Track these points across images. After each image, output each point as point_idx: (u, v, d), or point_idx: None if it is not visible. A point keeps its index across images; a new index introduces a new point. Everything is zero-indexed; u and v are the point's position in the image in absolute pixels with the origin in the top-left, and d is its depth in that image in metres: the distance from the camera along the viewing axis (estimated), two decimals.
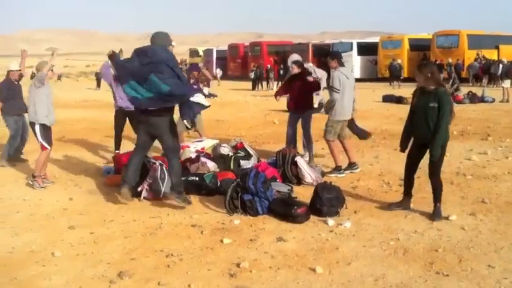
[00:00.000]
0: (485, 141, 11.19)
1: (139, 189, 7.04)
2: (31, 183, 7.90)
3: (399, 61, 31.56)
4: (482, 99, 20.15)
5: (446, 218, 6.05)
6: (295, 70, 9.35)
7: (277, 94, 9.92)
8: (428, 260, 4.90)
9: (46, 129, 7.99)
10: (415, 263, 4.83)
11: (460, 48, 31.50)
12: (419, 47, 34.56)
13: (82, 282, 4.60)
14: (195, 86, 10.39)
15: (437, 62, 28.31)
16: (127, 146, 9.72)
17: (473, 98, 20.17)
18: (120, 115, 9.54)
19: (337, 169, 8.45)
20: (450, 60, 29.58)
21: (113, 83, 9.00)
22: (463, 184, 7.59)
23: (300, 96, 9.12)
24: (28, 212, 6.74)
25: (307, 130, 9.18)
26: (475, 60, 30.18)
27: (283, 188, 7.00)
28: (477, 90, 22.04)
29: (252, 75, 33.55)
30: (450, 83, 21.69)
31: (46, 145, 7.99)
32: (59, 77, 43.07)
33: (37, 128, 7.92)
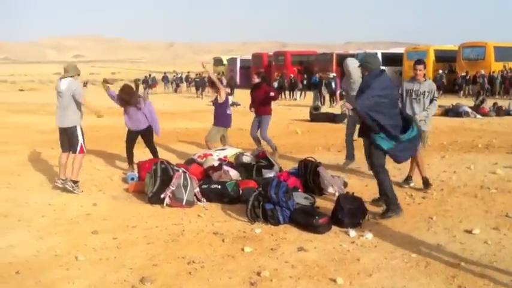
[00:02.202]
0: (510, 155, 11.04)
1: (162, 196, 7.12)
2: (71, 189, 7.92)
3: (440, 72, 31.40)
4: (508, 112, 19.88)
5: (470, 232, 5.99)
6: (256, 80, 10.84)
7: (250, 106, 11.09)
8: (450, 273, 4.85)
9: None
10: (437, 276, 4.79)
11: (487, 60, 31.16)
12: (445, 58, 34.27)
13: (104, 286, 4.66)
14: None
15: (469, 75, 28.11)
16: (149, 154, 9.82)
17: (499, 111, 19.92)
18: (132, 134, 9.54)
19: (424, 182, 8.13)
20: (483, 72, 29.27)
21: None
22: (487, 198, 7.51)
23: (259, 103, 10.64)
24: (53, 216, 6.85)
25: (263, 131, 10.68)
26: (502, 72, 29.82)
27: (305, 201, 6.99)
28: (503, 103, 21.77)
29: (276, 84, 33.61)
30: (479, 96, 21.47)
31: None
32: (85, 84, 43.72)
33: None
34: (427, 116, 7.93)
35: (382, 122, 6.36)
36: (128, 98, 9.25)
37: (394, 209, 6.59)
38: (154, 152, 9.70)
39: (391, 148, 6.49)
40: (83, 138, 8.15)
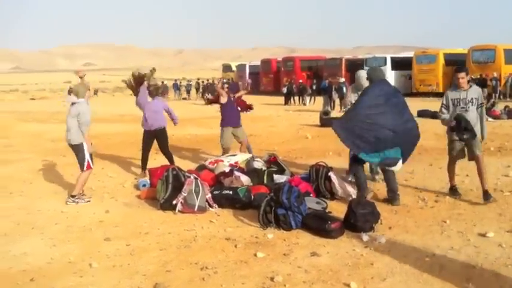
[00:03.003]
0: None
1: (174, 202, 7.13)
2: (73, 202, 7.85)
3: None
4: None
5: (484, 235, 5.94)
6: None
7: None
8: (465, 277, 4.82)
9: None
10: (451, 280, 4.75)
11: (497, 63, 30.96)
12: (454, 61, 34.08)
13: None
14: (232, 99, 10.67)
15: (482, 77, 27.92)
16: (161, 161, 9.85)
17: (510, 113, 19.78)
18: (148, 136, 9.81)
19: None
20: (495, 74, 29.10)
21: (142, 105, 9.73)
22: (501, 201, 7.45)
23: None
24: (66, 223, 6.89)
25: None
26: (510, 75, 29.65)
27: (317, 206, 6.97)
28: None
29: (285, 90, 33.61)
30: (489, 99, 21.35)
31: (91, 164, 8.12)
32: (95, 92, 43.97)
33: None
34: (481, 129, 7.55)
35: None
36: (139, 78, 9.79)
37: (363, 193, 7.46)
38: (170, 157, 9.90)
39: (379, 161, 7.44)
40: (90, 155, 8.05)
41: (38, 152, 13.11)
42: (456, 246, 5.65)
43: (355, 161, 7.62)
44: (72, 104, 7.98)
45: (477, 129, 7.43)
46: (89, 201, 7.97)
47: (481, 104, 7.58)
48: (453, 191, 7.86)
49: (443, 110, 7.71)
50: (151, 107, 9.76)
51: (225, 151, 10.42)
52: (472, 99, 7.45)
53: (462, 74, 7.50)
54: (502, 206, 7.17)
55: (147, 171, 9.24)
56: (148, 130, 9.77)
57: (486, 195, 7.36)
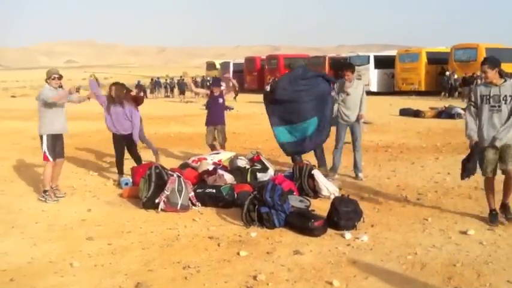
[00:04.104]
0: None
1: (156, 201, 7.10)
2: (43, 199, 7.86)
3: (447, 73, 31.54)
4: None
5: (465, 233, 5.99)
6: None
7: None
8: (446, 275, 4.85)
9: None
10: (433, 278, 4.79)
11: (479, 62, 31.20)
12: (437, 60, 34.36)
13: None
14: (220, 100, 10.49)
15: (474, 75, 28.11)
16: (143, 159, 9.77)
17: None
18: (118, 139, 9.22)
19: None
20: (479, 73, 29.30)
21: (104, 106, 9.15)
22: (482, 199, 7.49)
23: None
24: (46, 222, 6.81)
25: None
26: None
27: (300, 204, 6.98)
28: None
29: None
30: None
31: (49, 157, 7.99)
32: (77, 90, 43.53)
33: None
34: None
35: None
36: (120, 93, 9.07)
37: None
38: (138, 159, 9.37)
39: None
40: (48, 148, 7.90)
41: (19, 150, 12.95)
42: (438, 244, 5.69)
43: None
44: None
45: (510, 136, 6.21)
46: (56, 201, 7.83)
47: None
48: (492, 217, 6.41)
49: (472, 111, 6.45)
50: (117, 117, 9.09)
51: (210, 148, 10.48)
52: (506, 96, 6.22)
53: (485, 67, 6.31)
54: (482, 204, 7.22)
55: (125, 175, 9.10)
56: (116, 134, 9.21)
57: (507, 211, 6.48)
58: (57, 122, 7.94)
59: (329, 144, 9.30)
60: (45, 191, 7.90)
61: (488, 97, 6.29)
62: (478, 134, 6.35)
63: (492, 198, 6.49)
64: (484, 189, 6.67)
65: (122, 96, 9.13)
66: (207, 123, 10.59)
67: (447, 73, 31.54)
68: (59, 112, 7.96)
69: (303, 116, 8.57)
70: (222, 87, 11.06)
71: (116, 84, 9.31)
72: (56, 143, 8.01)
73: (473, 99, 6.44)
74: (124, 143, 9.19)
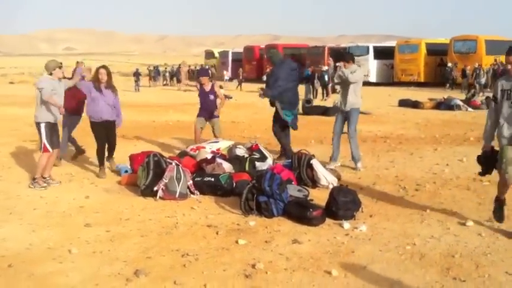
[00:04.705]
0: None
1: (155, 188, 7.09)
2: (32, 186, 7.80)
3: (450, 64, 31.48)
4: None
5: (463, 224, 6.00)
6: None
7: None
8: (445, 265, 4.86)
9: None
10: (431, 268, 4.80)
11: (478, 54, 31.21)
12: (436, 51, 34.32)
13: (98, 279, 4.63)
14: (211, 97, 10.28)
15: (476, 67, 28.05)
16: (141, 148, 9.76)
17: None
18: (100, 126, 8.73)
19: None
20: (477, 65, 29.24)
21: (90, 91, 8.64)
22: (480, 190, 7.53)
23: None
24: (45, 209, 6.80)
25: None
26: (492, 66, 29.86)
27: (299, 193, 6.97)
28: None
29: (265, 77, 33.52)
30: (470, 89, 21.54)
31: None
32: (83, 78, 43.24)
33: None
34: None
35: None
36: (108, 78, 8.66)
37: (289, 155, 8.79)
38: (113, 147, 9.03)
39: (292, 120, 9.56)
40: (47, 138, 7.84)
41: (17, 136, 12.91)
42: (436, 234, 5.69)
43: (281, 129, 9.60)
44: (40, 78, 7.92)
45: None
46: (43, 187, 7.77)
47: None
48: (497, 211, 6.01)
49: (493, 108, 5.94)
50: (100, 103, 8.62)
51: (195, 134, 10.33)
52: None
53: (511, 58, 5.63)
54: (481, 196, 7.25)
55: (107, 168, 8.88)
56: (98, 122, 8.72)
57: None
58: (55, 110, 7.89)
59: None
60: (34, 178, 7.88)
61: (509, 92, 5.68)
62: (497, 132, 5.82)
63: (505, 192, 5.96)
64: (499, 185, 6.03)
65: (111, 80, 8.78)
66: (199, 115, 10.44)
67: (449, 64, 31.49)
68: (57, 100, 7.90)
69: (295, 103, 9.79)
70: (211, 82, 10.69)
71: (104, 67, 8.82)
72: (52, 133, 7.97)
73: (496, 94, 5.85)
74: (105, 131, 8.78)
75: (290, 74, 9.53)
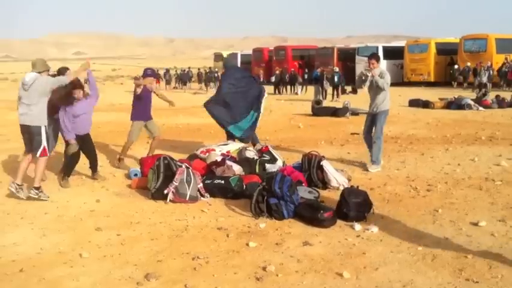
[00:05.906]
0: None
1: (165, 191, 7.09)
2: (36, 197, 7.38)
3: (456, 66, 31.47)
4: (511, 104, 19.79)
5: (476, 224, 5.94)
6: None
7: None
8: (457, 266, 4.81)
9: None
10: (444, 269, 4.75)
11: (488, 52, 31.01)
12: (446, 51, 34.16)
13: (109, 283, 4.63)
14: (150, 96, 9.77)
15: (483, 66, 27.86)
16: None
17: (501, 103, 19.83)
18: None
19: None
20: (489, 63, 29.01)
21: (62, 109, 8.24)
22: (492, 190, 7.46)
23: None
24: (56, 213, 6.82)
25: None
26: (503, 64, 29.62)
27: (309, 195, 6.94)
28: (506, 95, 21.69)
29: (273, 79, 33.51)
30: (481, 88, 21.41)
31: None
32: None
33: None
34: None
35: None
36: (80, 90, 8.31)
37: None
38: (95, 159, 8.78)
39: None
40: (47, 141, 7.60)
41: None
42: (448, 235, 5.64)
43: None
44: (28, 75, 7.54)
45: None
46: (48, 197, 7.45)
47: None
48: None
49: None
50: (78, 111, 8.35)
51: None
52: None
53: None
54: (493, 195, 7.18)
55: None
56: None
57: None
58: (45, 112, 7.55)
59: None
60: (37, 188, 7.45)
61: None
62: None
63: None
64: None
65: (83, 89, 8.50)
66: (136, 118, 9.68)
67: (456, 66, 31.46)
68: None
69: (242, 114, 10.01)
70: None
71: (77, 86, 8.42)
72: (48, 136, 7.75)
73: None
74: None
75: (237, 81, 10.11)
